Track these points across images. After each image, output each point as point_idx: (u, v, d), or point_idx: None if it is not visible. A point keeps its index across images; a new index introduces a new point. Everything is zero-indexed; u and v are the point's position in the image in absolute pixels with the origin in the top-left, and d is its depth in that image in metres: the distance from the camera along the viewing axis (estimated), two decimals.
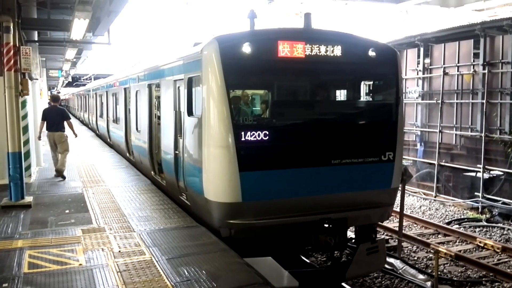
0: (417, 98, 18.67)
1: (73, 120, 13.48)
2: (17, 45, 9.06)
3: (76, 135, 12.57)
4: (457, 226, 13.43)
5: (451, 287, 9.25)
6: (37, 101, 13.72)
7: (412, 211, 15.14)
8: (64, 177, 11.54)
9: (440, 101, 17.23)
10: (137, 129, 12.13)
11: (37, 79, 14.10)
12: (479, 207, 14.83)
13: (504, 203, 14.17)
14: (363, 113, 8.13)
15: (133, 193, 9.87)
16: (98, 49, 29.91)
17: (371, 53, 7.45)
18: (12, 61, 8.65)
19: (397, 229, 11.36)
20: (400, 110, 7.78)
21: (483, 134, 15.27)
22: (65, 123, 11.79)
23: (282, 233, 7.14)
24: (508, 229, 12.88)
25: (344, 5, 20.92)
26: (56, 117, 11.68)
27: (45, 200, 9.27)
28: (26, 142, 10.91)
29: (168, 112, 8.89)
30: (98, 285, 5.12)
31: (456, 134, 17.11)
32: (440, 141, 17.21)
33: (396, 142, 7.64)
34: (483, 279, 9.59)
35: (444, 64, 17.50)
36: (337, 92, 8.49)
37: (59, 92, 39.77)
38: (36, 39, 14.31)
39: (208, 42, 6.93)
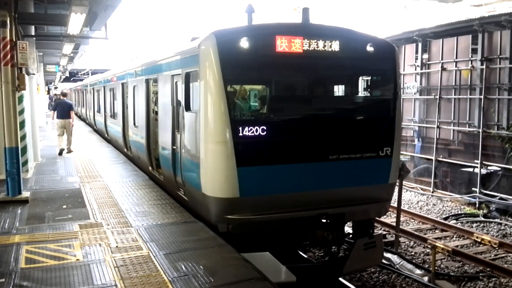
0: (415, 93, 18.69)
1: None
2: (14, 39, 9.01)
3: (72, 125, 15.60)
4: (454, 221, 13.47)
5: (448, 282, 9.27)
6: (34, 96, 13.64)
7: (410, 207, 15.18)
8: (72, 151, 15.20)
9: (438, 97, 17.24)
10: (134, 124, 12.11)
11: (34, 74, 14.04)
12: (476, 202, 14.87)
13: (501, 198, 14.22)
14: (361, 108, 8.14)
15: (130, 188, 9.86)
16: (96, 44, 29.81)
17: (369, 48, 7.44)
18: (8, 56, 8.60)
19: (394, 224, 11.40)
20: (398, 105, 7.77)
21: (480, 130, 15.28)
22: (71, 113, 15.32)
23: (279, 228, 7.14)
24: (505, 224, 12.92)
25: (342, 0, 20.89)
26: (65, 107, 15.26)
27: (42, 195, 9.24)
28: (23, 137, 10.88)
29: (165, 107, 8.87)
30: (95, 280, 5.12)
31: (453, 130, 17.15)
32: (437, 137, 17.23)
33: (393, 138, 7.63)
34: (480, 274, 9.63)
35: (442, 59, 17.51)
36: (335, 87, 8.47)
37: (56, 88, 39.94)
38: (33, 33, 14.23)
39: (206, 37, 6.90)
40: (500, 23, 15.19)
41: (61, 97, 16.48)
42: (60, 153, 14.79)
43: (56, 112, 15.16)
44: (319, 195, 7.17)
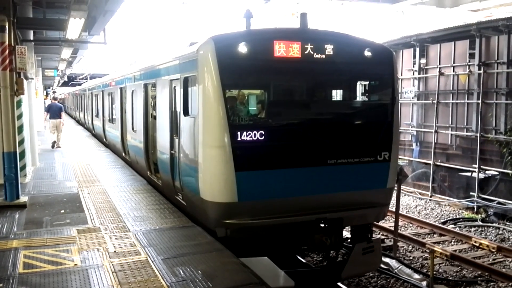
0: (412, 98, 18.71)
1: (68, 120, 17.46)
2: (13, 44, 9.03)
3: (63, 124, 18.63)
4: (452, 226, 13.47)
5: (447, 286, 9.27)
6: (32, 101, 13.66)
7: (408, 211, 15.18)
8: (60, 146, 17.86)
9: (435, 101, 17.28)
10: (133, 129, 12.11)
11: (32, 78, 14.05)
12: (475, 207, 14.88)
13: (499, 203, 14.23)
14: (359, 113, 8.15)
15: (128, 193, 9.85)
16: (94, 48, 29.82)
17: (367, 53, 7.46)
18: (7, 61, 8.61)
19: (392, 229, 11.40)
20: (395, 110, 7.79)
21: (478, 134, 15.31)
22: (61, 114, 18.13)
23: (278, 233, 7.13)
24: (503, 228, 12.93)
25: (340, 5, 20.95)
26: (56, 109, 18.06)
27: (40, 200, 9.23)
28: (21, 142, 10.88)
29: (164, 112, 8.88)
30: (93, 285, 5.11)
31: (451, 134, 17.16)
32: (435, 141, 17.25)
33: (391, 142, 7.65)
34: (479, 278, 9.63)
35: (439, 64, 17.54)
36: (333, 92, 8.50)
37: (54, 92, 40.23)
38: (31, 38, 14.26)
39: (204, 42, 6.92)
40: (497, 28, 15.23)
41: (53, 101, 19.56)
42: (53, 146, 17.69)
43: (49, 113, 18.17)
44: (317, 200, 7.17)
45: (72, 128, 28.50)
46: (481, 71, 15.55)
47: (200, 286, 5.05)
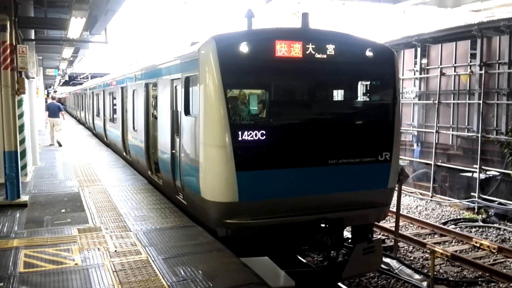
0: (414, 98, 18.71)
1: (69, 120, 17.82)
2: (14, 43, 9.03)
3: (64, 118, 19.75)
4: (453, 226, 13.46)
5: (447, 287, 9.27)
6: (33, 100, 13.65)
7: (409, 211, 15.17)
8: (61, 145, 18.11)
9: (436, 102, 17.27)
10: (134, 128, 12.11)
11: (33, 77, 14.05)
12: (475, 207, 14.87)
13: (500, 203, 14.22)
14: (360, 113, 8.14)
15: (129, 192, 9.85)
16: (95, 48, 29.82)
17: (369, 53, 7.46)
18: (8, 60, 8.62)
19: (393, 229, 11.40)
20: (397, 110, 7.78)
21: (479, 135, 15.30)
22: (60, 113, 18.76)
23: (278, 233, 7.13)
24: (504, 229, 12.91)
25: (341, 5, 20.96)
26: (54, 109, 18.61)
27: (41, 199, 9.23)
28: (22, 141, 10.89)
29: (165, 112, 8.88)
30: (94, 284, 5.11)
31: (452, 135, 17.16)
32: (436, 142, 17.24)
33: (392, 142, 7.64)
34: (479, 279, 9.62)
35: (441, 64, 17.54)
36: (334, 92, 8.49)
37: (55, 91, 40.41)
38: (33, 37, 14.26)
39: (206, 42, 6.92)
40: (499, 28, 15.23)
41: (51, 100, 21.02)
42: (59, 146, 18.20)
43: (48, 112, 18.82)
44: (318, 200, 7.17)
45: (73, 128, 28.52)
46: (483, 72, 15.54)
47: (200, 285, 5.05)
